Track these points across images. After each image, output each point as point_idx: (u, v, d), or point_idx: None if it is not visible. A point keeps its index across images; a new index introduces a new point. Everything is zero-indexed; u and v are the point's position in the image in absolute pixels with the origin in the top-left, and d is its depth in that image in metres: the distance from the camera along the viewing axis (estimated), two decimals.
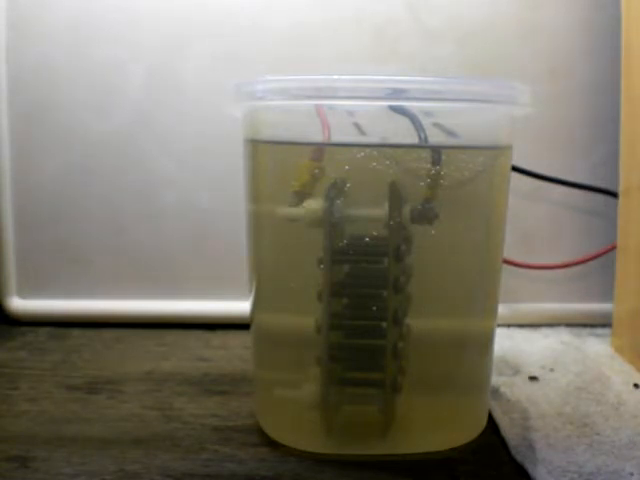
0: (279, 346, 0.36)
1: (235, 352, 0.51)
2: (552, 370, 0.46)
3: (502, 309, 0.44)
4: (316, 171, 0.33)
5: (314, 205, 0.33)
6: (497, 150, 0.36)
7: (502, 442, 0.36)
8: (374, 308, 0.33)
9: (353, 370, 0.34)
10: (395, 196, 0.33)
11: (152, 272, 0.58)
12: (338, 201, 0.33)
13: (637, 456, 0.34)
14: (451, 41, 0.55)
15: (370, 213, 0.33)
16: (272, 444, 0.36)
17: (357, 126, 0.34)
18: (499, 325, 0.39)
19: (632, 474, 0.33)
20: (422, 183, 0.33)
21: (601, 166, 0.56)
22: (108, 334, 0.54)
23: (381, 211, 0.33)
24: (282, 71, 0.53)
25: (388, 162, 0.32)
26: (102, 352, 0.50)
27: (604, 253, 0.54)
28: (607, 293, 0.54)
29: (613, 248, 0.52)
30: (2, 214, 0.57)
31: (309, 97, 0.32)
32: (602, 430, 0.37)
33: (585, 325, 0.56)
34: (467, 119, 0.35)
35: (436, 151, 0.33)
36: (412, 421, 0.35)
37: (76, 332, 0.55)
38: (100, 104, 0.56)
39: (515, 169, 0.49)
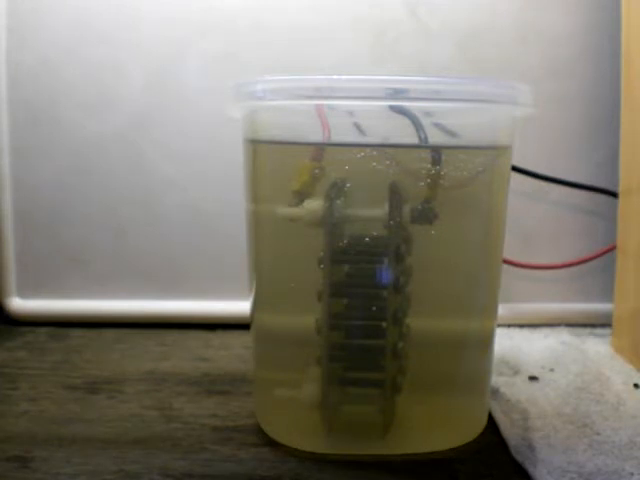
0: (279, 346, 0.36)
1: (235, 352, 0.51)
2: (552, 370, 0.46)
3: (502, 309, 0.44)
4: (316, 171, 0.33)
5: (314, 205, 0.33)
6: (497, 150, 0.36)
7: (502, 442, 0.36)
8: (374, 308, 0.33)
9: (353, 370, 0.34)
10: (395, 196, 0.33)
11: (152, 272, 0.58)
12: (338, 201, 0.33)
13: (637, 456, 0.34)
14: (451, 42, 0.55)
15: (370, 213, 0.33)
16: (272, 444, 0.36)
17: (357, 126, 0.34)
18: (499, 325, 0.39)
19: (632, 474, 0.33)
20: (422, 183, 0.33)
21: (601, 166, 0.56)
22: (108, 334, 0.54)
23: (381, 211, 0.33)
24: (282, 71, 0.53)
25: (388, 162, 0.33)
26: (102, 352, 0.50)
27: (604, 253, 0.54)
28: (607, 293, 0.54)
29: (613, 248, 0.52)
30: (2, 214, 0.57)
31: (309, 97, 0.32)
32: (602, 430, 0.37)
33: (585, 325, 0.56)
34: (467, 119, 0.35)
35: (436, 151, 0.33)
36: (412, 421, 0.35)
37: (76, 332, 0.55)
38: (100, 106, 0.56)
39: (515, 169, 0.49)
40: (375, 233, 0.33)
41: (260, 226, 0.36)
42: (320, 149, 0.33)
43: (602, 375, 0.45)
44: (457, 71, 0.55)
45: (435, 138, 0.33)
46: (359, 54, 0.55)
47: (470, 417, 0.37)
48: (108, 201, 0.57)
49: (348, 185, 0.33)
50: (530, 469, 0.33)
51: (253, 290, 0.37)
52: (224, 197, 0.56)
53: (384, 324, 0.33)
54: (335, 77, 0.32)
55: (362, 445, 0.35)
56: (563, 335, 0.54)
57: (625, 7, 0.49)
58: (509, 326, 0.56)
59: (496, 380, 0.44)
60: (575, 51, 0.56)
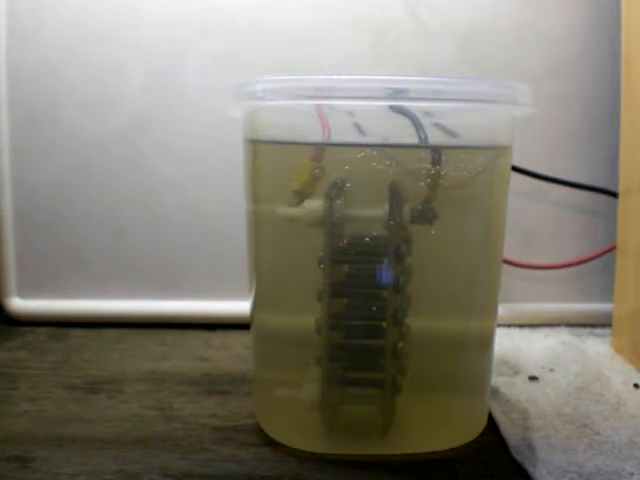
0: (279, 346, 0.36)
1: (235, 352, 0.51)
2: (552, 370, 0.46)
3: (502, 309, 0.44)
4: (316, 171, 0.33)
5: (314, 205, 0.33)
6: (497, 150, 0.36)
7: (502, 442, 0.36)
8: (374, 308, 0.33)
9: (353, 370, 0.34)
10: (395, 196, 0.33)
11: (152, 272, 0.58)
12: (338, 201, 0.33)
13: (637, 456, 0.34)
14: (451, 42, 0.55)
15: (370, 213, 0.33)
16: (272, 444, 0.36)
17: (357, 126, 0.34)
18: (499, 325, 0.39)
19: (632, 474, 0.33)
20: (422, 183, 0.33)
21: (601, 166, 0.56)
22: (108, 334, 0.54)
23: (381, 211, 0.33)
24: (282, 71, 0.53)
25: (388, 162, 0.32)
26: (102, 352, 0.50)
27: (604, 253, 0.54)
28: (607, 293, 0.54)
29: (613, 248, 0.52)
30: (2, 214, 0.57)
31: (309, 97, 0.32)
32: (602, 430, 0.37)
33: (585, 325, 0.56)
34: (467, 119, 0.35)
35: (436, 151, 0.33)
36: (412, 421, 0.35)
37: (76, 332, 0.55)
38: (100, 106, 0.56)
39: (515, 169, 0.49)
40: (375, 233, 0.33)
41: (260, 226, 0.36)
42: (320, 149, 0.33)
43: (602, 375, 0.45)
44: (457, 71, 0.55)
45: (435, 138, 0.33)
46: (359, 54, 0.55)
47: (470, 417, 0.37)
48: (108, 201, 0.57)
49: (348, 185, 0.33)
50: (530, 469, 0.33)
51: (253, 290, 0.37)
52: (224, 197, 0.56)
53: (384, 324, 0.33)
54: (335, 77, 0.32)
55: (362, 445, 0.35)
56: (563, 335, 0.54)
57: (625, 7, 0.49)
58: (509, 326, 0.56)
59: (496, 380, 0.44)
60: (575, 51, 0.56)
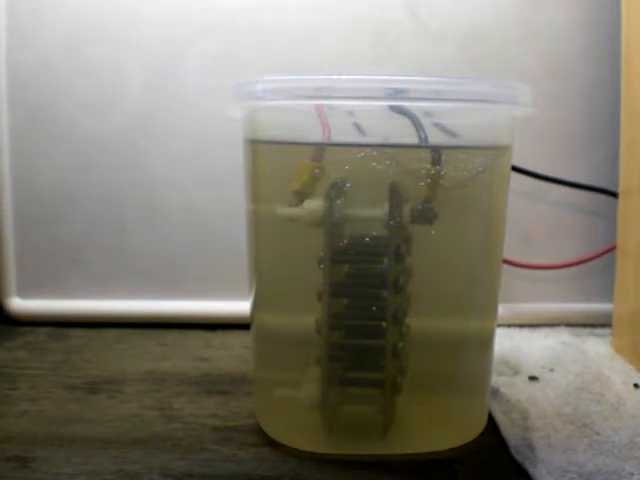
0: (279, 346, 0.36)
1: (235, 352, 0.51)
2: (552, 370, 0.46)
3: (502, 309, 0.44)
4: (316, 171, 0.33)
5: (314, 205, 0.33)
6: (497, 150, 0.36)
7: (502, 442, 0.36)
8: (374, 308, 0.33)
9: (353, 370, 0.34)
10: (395, 196, 0.33)
11: (152, 272, 0.58)
12: (338, 201, 0.33)
13: (637, 456, 0.34)
14: (452, 42, 0.55)
15: (370, 213, 0.33)
16: (272, 444, 0.36)
17: (357, 126, 0.34)
18: (499, 325, 0.39)
19: (632, 474, 0.33)
20: (422, 183, 0.33)
21: (601, 166, 0.56)
22: (108, 334, 0.54)
23: (381, 211, 0.33)
24: (282, 71, 0.53)
25: (388, 162, 0.33)
26: (102, 352, 0.50)
27: (604, 253, 0.54)
28: (607, 293, 0.54)
29: (613, 248, 0.52)
30: (2, 214, 0.57)
31: (309, 97, 0.32)
32: (602, 430, 0.37)
33: (585, 325, 0.56)
34: (467, 119, 0.35)
35: (436, 151, 0.33)
36: (412, 421, 0.35)
37: (76, 332, 0.55)
38: (100, 105, 0.56)
39: (515, 169, 0.49)
40: (375, 233, 0.33)
41: (260, 226, 0.36)
42: (320, 149, 0.33)
43: (602, 375, 0.45)
44: (457, 71, 0.55)
45: (435, 138, 0.33)
46: (359, 54, 0.55)
47: (470, 417, 0.37)
48: (108, 201, 0.57)
49: (348, 185, 0.33)
50: (530, 469, 0.33)
51: (253, 290, 0.37)
52: (224, 197, 0.56)
53: (384, 324, 0.33)
54: (335, 77, 0.32)
55: (362, 445, 0.35)
56: (563, 335, 0.54)
57: (625, 7, 0.49)
58: (509, 326, 0.56)
59: (496, 380, 0.44)
60: (575, 51, 0.56)
